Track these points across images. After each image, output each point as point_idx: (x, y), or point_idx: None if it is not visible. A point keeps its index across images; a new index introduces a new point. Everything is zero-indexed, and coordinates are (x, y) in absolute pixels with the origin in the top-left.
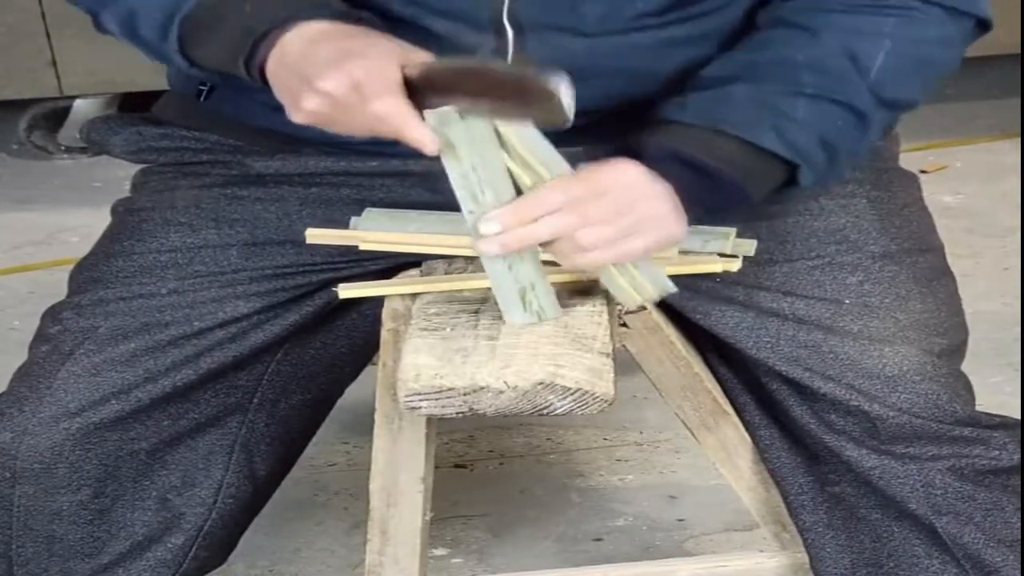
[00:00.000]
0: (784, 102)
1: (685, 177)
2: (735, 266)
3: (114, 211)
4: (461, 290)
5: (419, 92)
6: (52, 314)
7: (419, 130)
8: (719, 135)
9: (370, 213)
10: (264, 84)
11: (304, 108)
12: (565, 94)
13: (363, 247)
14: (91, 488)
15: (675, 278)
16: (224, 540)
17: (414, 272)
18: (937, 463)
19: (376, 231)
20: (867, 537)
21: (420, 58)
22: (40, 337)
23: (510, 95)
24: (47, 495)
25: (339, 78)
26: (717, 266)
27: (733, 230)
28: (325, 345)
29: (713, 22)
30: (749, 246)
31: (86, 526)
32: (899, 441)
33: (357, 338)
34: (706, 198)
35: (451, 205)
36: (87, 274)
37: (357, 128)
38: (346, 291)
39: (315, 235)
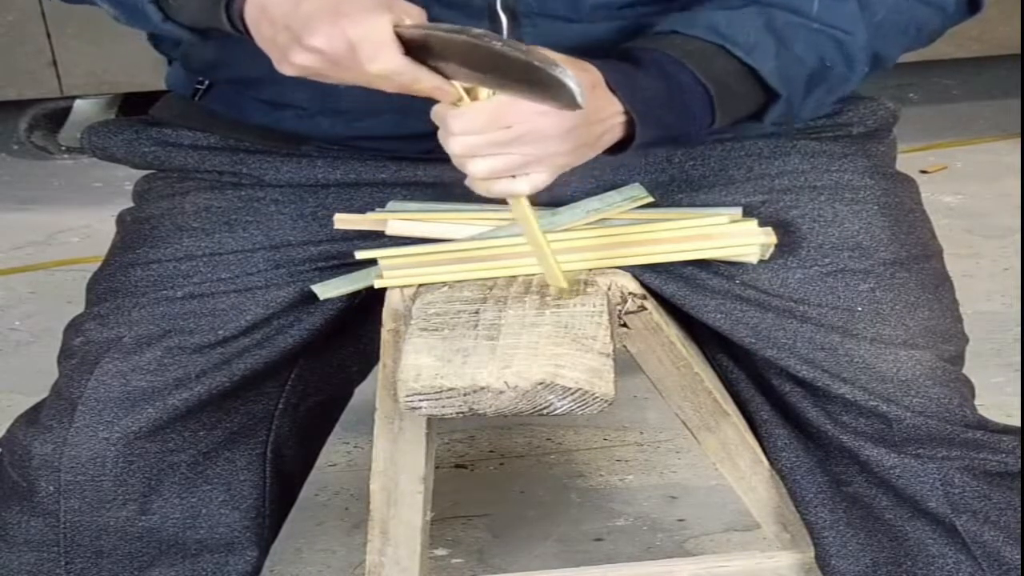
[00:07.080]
0: (788, 30)
1: (659, 93)
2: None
3: (120, 221)
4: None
5: (412, 52)
6: (74, 327)
7: (435, 79)
8: (719, 53)
9: (394, 204)
10: (244, 34)
11: (294, 63)
12: (574, 82)
13: (389, 232)
14: (137, 504)
15: (694, 265)
16: (264, 550)
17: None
18: (953, 463)
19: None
20: (884, 536)
21: (410, 12)
22: (65, 351)
23: (520, 79)
24: (93, 510)
25: (331, 35)
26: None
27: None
28: (337, 346)
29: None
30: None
31: (134, 542)
32: (913, 443)
33: (364, 338)
34: (668, 119)
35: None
36: (105, 285)
37: (353, 82)
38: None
39: (343, 220)
